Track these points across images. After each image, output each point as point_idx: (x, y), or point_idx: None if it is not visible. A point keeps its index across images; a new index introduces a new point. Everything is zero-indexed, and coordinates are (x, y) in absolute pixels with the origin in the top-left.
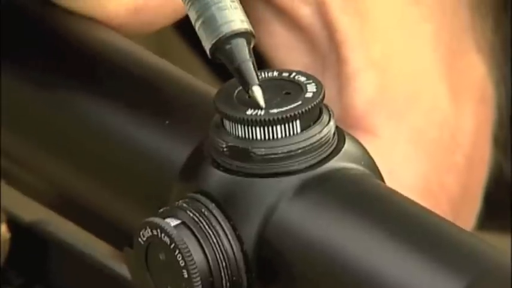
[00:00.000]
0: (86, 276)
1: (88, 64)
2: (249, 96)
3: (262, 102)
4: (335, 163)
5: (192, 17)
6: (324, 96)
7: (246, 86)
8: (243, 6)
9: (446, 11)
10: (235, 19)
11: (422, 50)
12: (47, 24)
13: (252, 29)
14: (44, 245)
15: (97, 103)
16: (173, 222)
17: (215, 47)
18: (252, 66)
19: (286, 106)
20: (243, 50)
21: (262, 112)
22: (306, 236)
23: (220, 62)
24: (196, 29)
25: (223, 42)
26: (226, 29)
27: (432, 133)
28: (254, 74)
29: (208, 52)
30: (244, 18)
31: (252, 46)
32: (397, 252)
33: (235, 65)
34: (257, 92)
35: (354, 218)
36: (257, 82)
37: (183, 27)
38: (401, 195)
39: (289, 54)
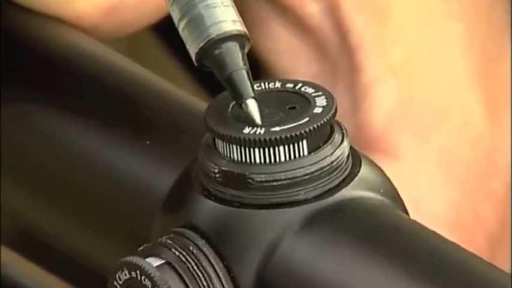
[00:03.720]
0: None
1: (53, 74)
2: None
3: (258, 119)
4: (349, 191)
5: (175, 16)
6: (335, 112)
7: (239, 99)
8: (238, 3)
9: (480, 7)
10: (227, 19)
11: (451, 54)
12: (5, 26)
13: (246, 31)
14: None
15: (64, 120)
16: (155, 262)
17: (202, 52)
18: (246, 75)
19: (291, 123)
20: (235, 56)
21: (262, 131)
22: (313, 279)
23: (208, 70)
24: (180, 30)
25: (212, 47)
26: (215, 31)
27: (464, 154)
28: (249, 84)
29: (194, 58)
30: (238, 18)
31: (246, 51)
32: None
33: (226, 74)
34: (252, 107)
35: (370, 257)
36: (252, 94)
37: (161, 27)
38: (427, 229)
39: (293, 60)
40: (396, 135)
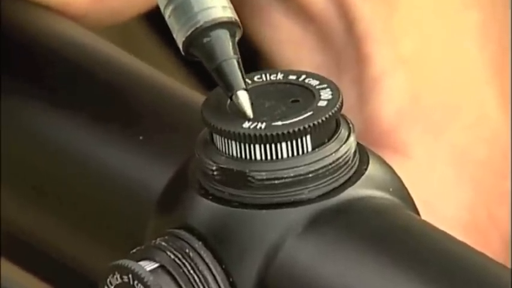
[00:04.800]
0: None
1: (39, 65)
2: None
3: (249, 111)
4: (356, 190)
5: (161, 2)
6: (341, 105)
7: (229, 90)
8: None
9: None
10: (216, 5)
11: (466, 45)
12: None
13: (237, 18)
14: None
15: (51, 115)
16: (149, 265)
17: (190, 41)
18: (236, 65)
19: (294, 118)
20: (225, 45)
21: (263, 125)
22: (318, 284)
23: (196, 60)
24: (166, 17)
25: (201, 35)
26: (204, 18)
27: (479, 152)
28: (239, 74)
29: (181, 47)
30: (227, 4)
31: (236, 40)
32: None
33: (215, 63)
34: (243, 99)
35: (378, 260)
36: (243, 85)
37: (154, 16)
38: (439, 230)
39: (296, 51)
40: (406, 131)
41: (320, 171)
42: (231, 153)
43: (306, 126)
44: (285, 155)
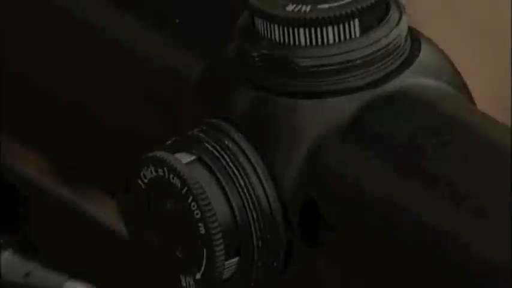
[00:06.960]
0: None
1: None
2: None
3: None
4: (407, 78)
5: None
6: None
7: None
8: None
9: None
10: None
11: None
12: None
13: None
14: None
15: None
16: (185, 158)
17: None
18: None
19: (341, 0)
20: None
21: (308, 8)
22: (363, 180)
23: None
24: None
25: None
26: None
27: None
28: None
29: None
30: None
31: None
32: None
33: None
34: None
35: (431, 157)
36: None
37: None
38: (499, 123)
39: None
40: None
41: (369, 57)
42: (273, 38)
43: (354, 9)
44: (331, 40)
